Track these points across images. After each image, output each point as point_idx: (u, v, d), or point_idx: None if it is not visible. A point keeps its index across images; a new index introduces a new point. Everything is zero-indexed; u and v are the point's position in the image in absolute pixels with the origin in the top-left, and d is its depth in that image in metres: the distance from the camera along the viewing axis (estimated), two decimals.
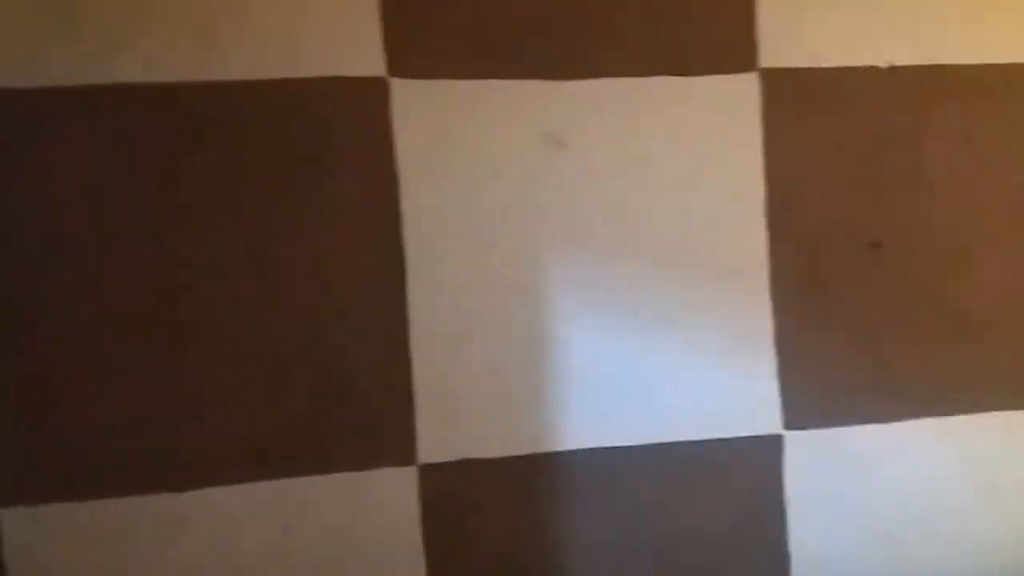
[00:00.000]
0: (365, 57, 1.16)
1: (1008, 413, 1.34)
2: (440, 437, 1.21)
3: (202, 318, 1.15)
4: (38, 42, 1.09)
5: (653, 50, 1.23)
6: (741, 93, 1.25)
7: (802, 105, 1.27)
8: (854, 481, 1.31)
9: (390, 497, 1.21)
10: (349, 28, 1.16)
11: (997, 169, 1.32)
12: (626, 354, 1.25)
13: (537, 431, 1.24)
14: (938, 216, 1.31)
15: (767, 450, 1.29)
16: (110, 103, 1.11)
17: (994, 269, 1.32)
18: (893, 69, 1.28)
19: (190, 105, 1.13)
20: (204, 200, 1.14)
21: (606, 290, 1.24)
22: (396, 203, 1.18)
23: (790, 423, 1.29)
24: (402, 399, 1.20)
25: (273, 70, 1.14)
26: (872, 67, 1.28)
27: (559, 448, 1.24)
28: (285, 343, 1.17)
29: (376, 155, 1.17)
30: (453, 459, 1.22)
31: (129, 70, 1.12)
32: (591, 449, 1.25)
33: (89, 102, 1.11)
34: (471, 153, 1.20)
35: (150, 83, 1.12)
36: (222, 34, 1.14)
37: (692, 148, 1.25)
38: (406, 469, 1.21)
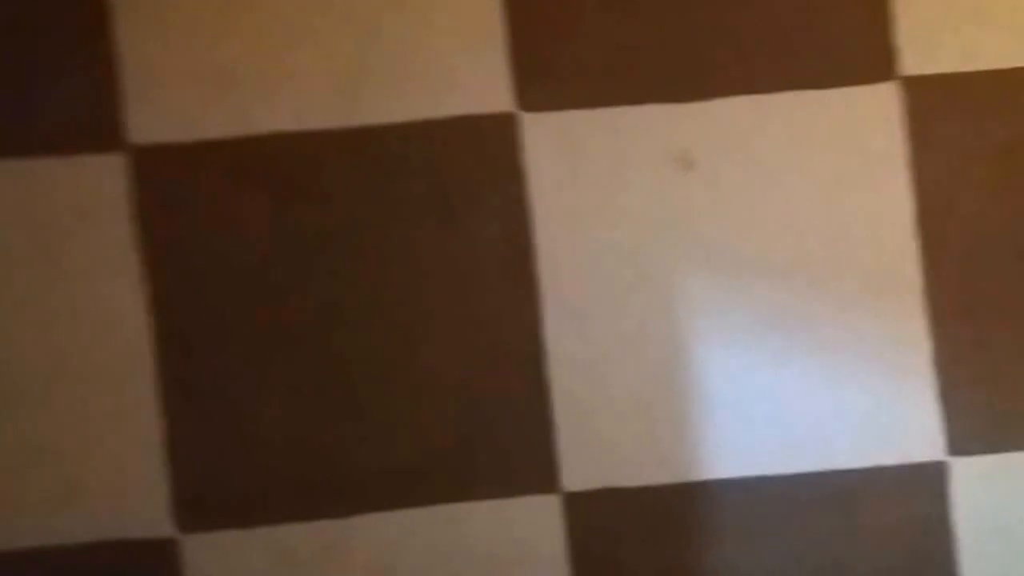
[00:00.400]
0: (494, 93, 1.20)
1: None
2: (582, 465, 1.22)
3: (356, 356, 1.21)
4: (194, 98, 1.19)
5: (780, 65, 1.21)
6: (882, 104, 1.21)
7: (949, 112, 1.21)
8: None
9: (534, 525, 1.22)
10: (477, 65, 1.20)
11: None
12: (771, 378, 1.22)
13: (682, 459, 1.22)
14: None
15: (931, 478, 1.22)
16: (260, 153, 1.20)
17: None
18: None
19: (334, 152, 1.20)
20: (351, 240, 1.21)
21: (746, 312, 1.22)
22: (530, 235, 1.21)
23: (955, 449, 1.22)
24: (543, 427, 1.21)
25: (410, 112, 1.20)
26: None
27: (706, 477, 1.22)
28: (431, 377, 1.21)
29: (508, 189, 1.21)
30: (597, 487, 1.22)
31: (279, 120, 1.20)
32: (741, 479, 1.22)
33: (242, 153, 1.20)
34: (601, 180, 1.21)
35: (295, 132, 1.20)
36: (364, 80, 1.20)
37: (828, 163, 1.21)
38: (549, 497, 1.22)
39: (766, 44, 1.21)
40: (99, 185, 1.20)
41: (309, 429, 1.21)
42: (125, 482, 1.19)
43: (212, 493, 1.20)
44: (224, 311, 1.20)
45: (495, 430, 1.22)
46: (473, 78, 1.20)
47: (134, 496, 1.19)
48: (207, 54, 1.19)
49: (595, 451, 1.22)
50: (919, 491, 1.23)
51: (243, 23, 1.19)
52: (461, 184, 1.21)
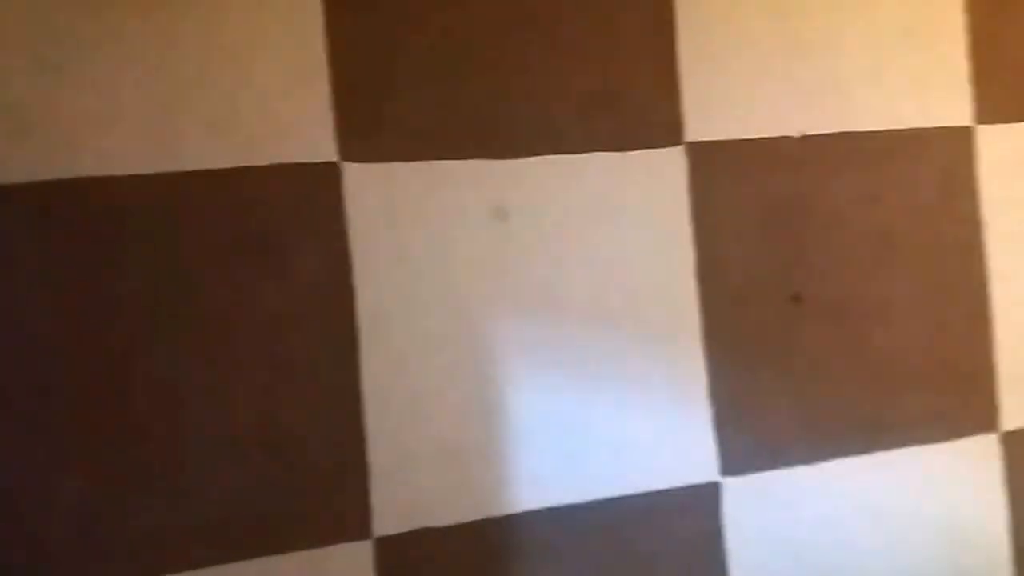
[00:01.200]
0: (317, 143, 1.20)
1: (917, 449, 1.45)
2: (395, 508, 1.24)
3: (155, 406, 1.16)
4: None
5: (588, 129, 1.31)
6: (670, 165, 1.34)
7: (725, 174, 1.36)
8: (788, 521, 1.40)
9: (347, 573, 1.22)
10: (300, 114, 1.20)
11: (902, 225, 1.43)
12: (572, 413, 1.31)
13: (491, 495, 1.28)
14: (852, 271, 1.42)
15: (707, 497, 1.36)
16: (66, 198, 1.12)
17: (905, 319, 1.44)
18: (804, 138, 1.39)
19: (149, 196, 1.15)
20: (157, 289, 1.16)
21: (552, 353, 1.30)
22: (349, 283, 1.22)
23: (727, 470, 1.37)
24: (357, 472, 1.22)
25: (226, 159, 1.17)
26: (786, 137, 1.39)
27: (512, 511, 1.28)
28: (240, 427, 1.18)
29: (330, 238, 1.21)
30: (409, 529, 1.24)
31: (87, 165, 1.13)
32: (543, 510, 1.29)
33: (45, 198, 1.11)
34: (421, 230, 1.25)
35: (105, 176, 1.13)
36: (175, 125, 1.16)
37: (626, 217, 1.33)
38: (362, 543, 1.23)
39: (576, 109, 1.30)
40: None
41: (105, 492, 1.14)
42: None
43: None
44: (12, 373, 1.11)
45: (310, 477, 1.21)
46: (296, 127, 1.19)
47: None
48: (10, 96, 1.10)
49: (409, 493, 1.24)
50: (697, 510, 1.36)
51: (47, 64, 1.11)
52: (280, 232, 1.19)
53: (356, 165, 1.22)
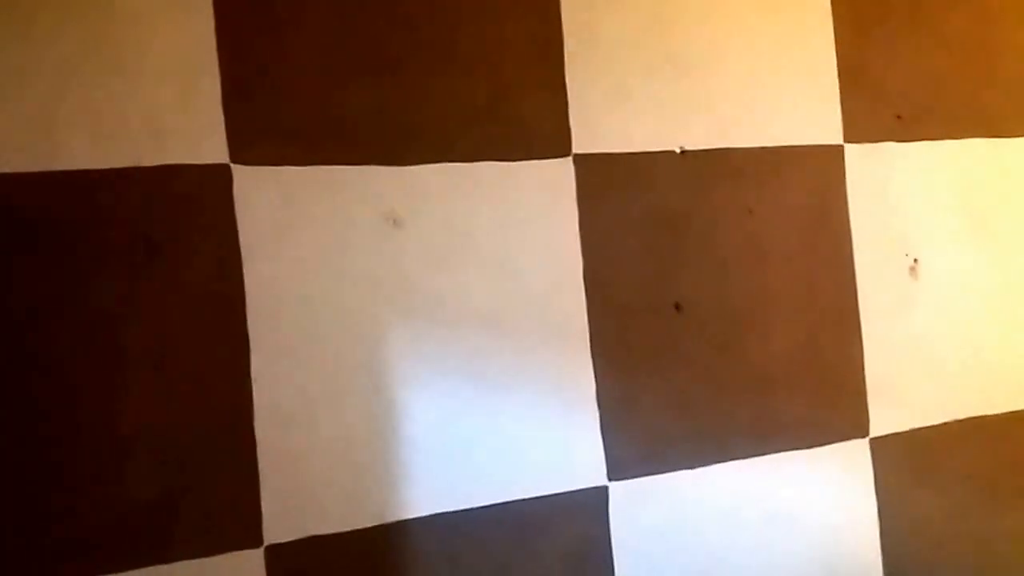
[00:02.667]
0: (208, 145, 1.19)
1: (793, 453, 1.51)
2: (286, 516, 1.23)
3: (39, 413, 1.12)
4: None
5: (480, 138, 1.34)
6: (558, 176, 1.38)
7: (610, 186, 1.41)
8: (671, 523, 1.43)
9: None
10: (189, 115, 1.19)
11: (776, 237, 1.50)
12: (464, 419, 1.32)
13: (383, 502, 1.28)
14: (729, 281, 1.48)
15: (595, 501, 1.39)
16: None
17: (780, 327, 1.50)
18: (684, 153, 1.45)
19: (30, 196, 1.12)
20: (39, 292, 1.13)
21: (444, 359, 1.31)
22: (240, 287, 1.21)
23: (613, 474, 1.40)
24: (247, 479, 1.21)
25: (115, 159, 1.15)
26: (667, 151, 1.44)
27: (405, 517, 1.29)
28: (127, 433, 1.16)
29: (219, 241, 1.20)
30: (299, 537, 1.23)
31: None
32: (436, 515, 1.30)
33: None
34: (313, 235, 1.25)
35: None
36: (64, 123, 1.14)
37: (517, 226, 1.35)
38: (253, 551, 1.21)
39: (469, 118, 1.33)
40: None
41: None
42: None
43: None
44: None
45: (199, 485, 1.19)
46: (185, 128, 1.18)
47: None
48: None
49: (299, 500, 1.23)
50: (585, 513, 1.39)
51: None
52: (169, 235, 1.18)
53: (247, 168, 1.21)
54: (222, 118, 1.20)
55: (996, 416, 1.65)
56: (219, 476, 1.20)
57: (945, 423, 1.62)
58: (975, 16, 1.65)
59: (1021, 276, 1.67)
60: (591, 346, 1.39)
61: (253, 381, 1.22)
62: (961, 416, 1.63)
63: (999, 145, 1.66)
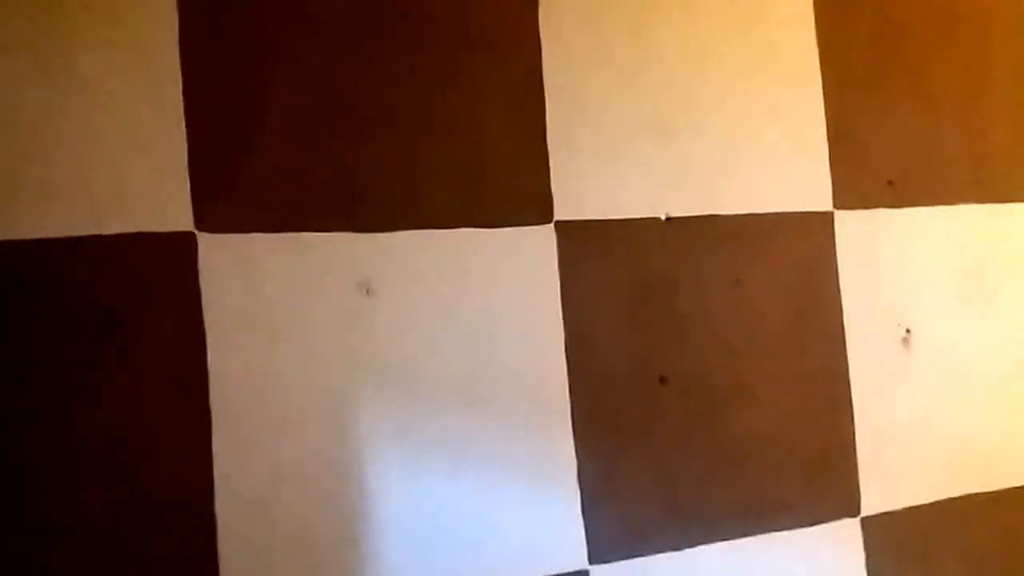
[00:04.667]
0: (172, 211, 1.14)
1: (782, 534, 1.45)
2: None
3: None
4: None
5: (459, 204, 1.29)
6: (540, 243, 1.33)
7: (594, 254, 1.36)
8: None
9: None
10: (155, 183, 1.14)
11: (765, 308, 1.46)
12: (438, 500, 1.26)
13: None
14: (716, 352, 1.43)
15: None
16: None
17: (768, 401, 1.45)
18: (670, 220, 1.41)
19: None
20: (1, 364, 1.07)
21: (418, 437, 1.25)
22: (203, 361, 1.15)
23: (595, 557, 1.33)
24: (206, 565, 1.14)
25: (75, 226, 1.10)
26: (653, 218, 1.40)
27: None
28: (84, 514, 1.09)
29: (182, 313, 1.14)
30: None
31: None
32: None
33: None
34: (282, 306, 1.19)
35: None
36: (22, 189, 1.09)
37: (496, 295, 1.30)
38: None
39: (447, 184, 1.28)
40: None
41: None
42: None
43: None
44: None
45: (156, 568, 1.12)
46: (149, 193, 1.13)
47: None
48: None
49: None
50: None
51: None
52: (129, 307, 1.12)
53: (212, 235, 1.16)
54: (188, 183, 1.15)
55: (991, 493, 1.60)
56: (176, 560, 1.13)
57: (938, 501, 1.56)
58: (967, 80, 1.63)
59: (1016, 346, 1.63)
60: (573, 421, 1.33)
61: (215, 460, 1.15)
62: (955, 494, 1.58)
63: (992, 211, 1.63)
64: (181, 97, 1.16)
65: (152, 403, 1.13)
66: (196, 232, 1.15)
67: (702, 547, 1.39)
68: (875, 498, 1.51)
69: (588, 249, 1.36)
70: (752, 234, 1.45)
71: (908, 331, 1.55)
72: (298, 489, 1.19)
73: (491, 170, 1.31)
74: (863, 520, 1.50)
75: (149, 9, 1.15)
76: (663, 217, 1.40)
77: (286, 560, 1.18)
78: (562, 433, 1.33)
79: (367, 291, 1.23)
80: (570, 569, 1.32)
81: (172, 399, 1.14)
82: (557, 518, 1.32)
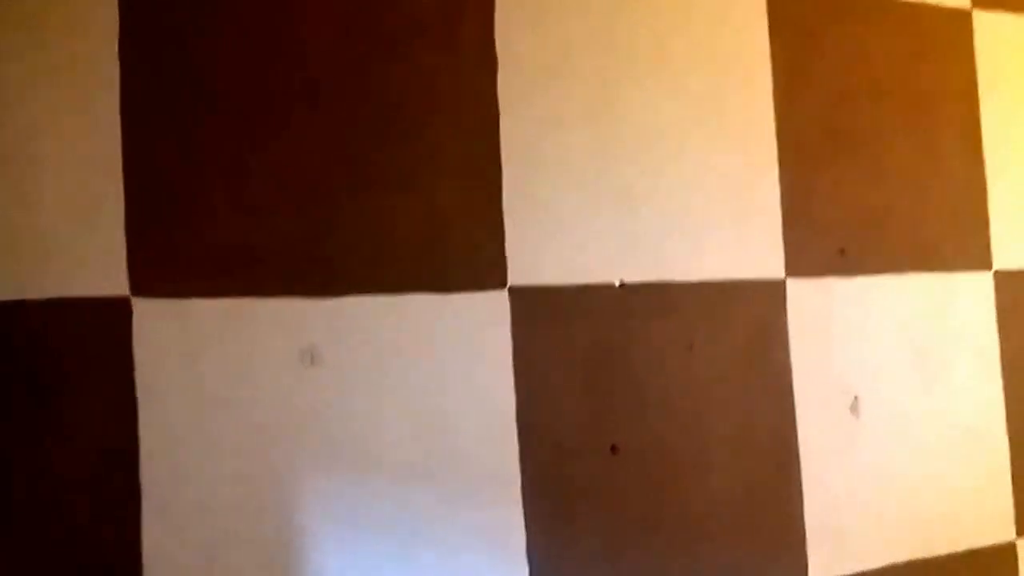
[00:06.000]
0: (106, 275, 1.08)
1: None
2: None
3: None
4: None
5: (410, 268, 1.25)
6: (492, 309, 1.29)
7: (547, 319, 1.33)
8: None
9: None
10: (89, 245, 1.08)
11: (716, 375, 1.44)
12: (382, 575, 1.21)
13: None
14: (667, 420, 1.40)
15: None
16: None
17: (719, 469, 1.43)
18: (624, 286, 1.38)
19: None
20: None
21: (360, 510, 1.20)
22: (133, 433, 1.09)
23: None
24: None
25: (3, 291, 1.03)
26: (607, 285, 1.37)
27: None
28: None
29: (114, 383, 1.08)
30: None
31: None
32: None
33: None
34: (220, 375, 1.13)
35: None
36: None
37: (447, 363, 1.26)
38: None
39: (397, 248, 1.24)
40: None
41: None
42: None
43: None
44: None
45: None
46: (82, 256, 1.07)
47: None
48: None
49: None
50: None
51: None
52: (57, 376, 1.05)
53: (149, 300, 1.10)
54: (124, 246, 1.09)
55: (936, 559, 1.60)
56: None
57: (884, 567, 1.56)
58: (917, 151, 1.64)
59: (961, 413, 1.64)
60: (522, 494, 1.29)
61: (143, 537, 1.08)
62: (901, 559, 1.57)
63: (939, 280, 1.64)
64: (120, 155, 1.10)
65: (79, 476, 1.06)
66: (131, 297, 1.09)
67: None
68: (822, 564, 1.49)
69: (542, 315, 1.32)
70: (705, 301, 1.44)
71: (856, 398, 1.55)
72: (232, 569, 1.13)
73: (444, 234, 1.27)
74: None
75: (88, 64, 1.09)
76: (617, 283, 1.38)
77: None
78: (511, 504, 1.29)
79: (311, 359, 1.18)
80: None
81: (100, 473, 1.07)
82: None
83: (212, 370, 1.13)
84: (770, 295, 1.49)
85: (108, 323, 1.08)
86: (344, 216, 1.21)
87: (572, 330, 1.35)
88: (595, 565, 1.34)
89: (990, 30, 1.71)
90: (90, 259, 1.08)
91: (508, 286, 1.30)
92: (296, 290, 1.18)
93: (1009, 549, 1.66)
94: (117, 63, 1.10)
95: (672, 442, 1.40)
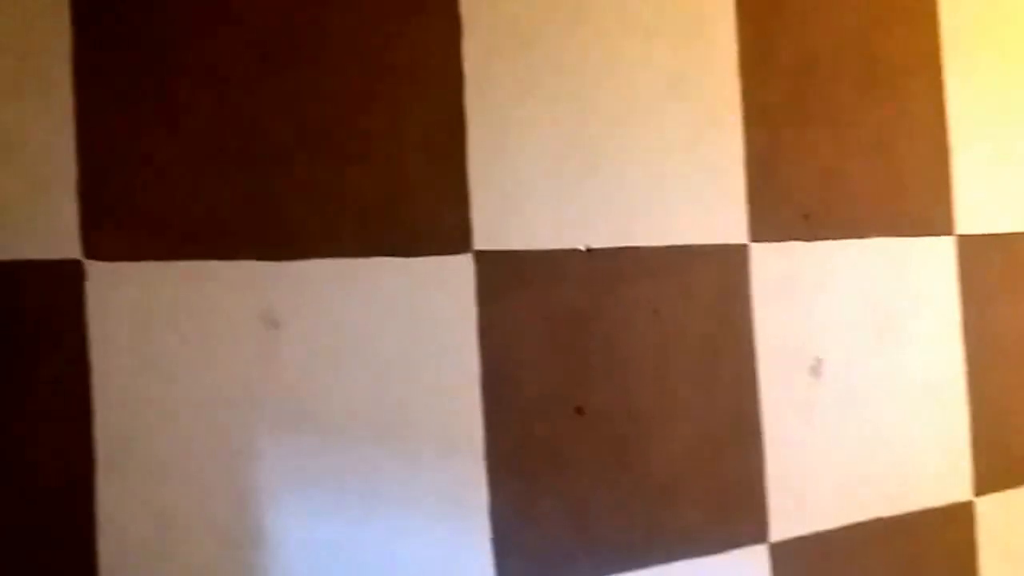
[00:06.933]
0: (57, 238, 1.05)
1: (693, 561, 1.44)
2: None
3: None
4: None
5: (373, 232, 1.23)
6: (457, 273, 1.28)
7: (512, 284, 1.32)
8: None
9: None
10: (41, 206, 1.05)
11: (681, 338, 1.44)
12: (344, 539, 1.20)
13: None
14: (632, 383, 1.40)
15: None
16: None
17: (682, 430, 1.44)
18: (591, 251, 1.38)
19: None
20: None
21: (322, 473, 1.19)
22: (87, 400, 1.07)
23: None
24: None
25: None
26: (573, 249, 1.36)
27: None
28: None
29: (66, 348, 1.06)
30: None
31: None
32: None
33: None
34: (176, 339, 1.11)
35: None
36: None
37: (410, 326, 1.25)
38: None
39: (360, 212, 1.22)
40: None
41: None
42: None
43: None
44: None
45: None
46: (31, 219, 1.04)
47: None
48: None
49: None
50: None
51: None
52: (6, 341, 1.03)
53: (102, 264, 1.07)
54: (76, 208, 1.06)
55: (895, 517, 1.63)
56: None
57: (845, 526, 1.58)
58: (881, 116, 1.64)
59: (921, 376, 1.66)
60: (487, 456, 1.29)
61: (98, 502, 1.07)
62: (861, 519, 1.60)
63: (902, 244, 1.65)
64: (72, 116, 1.07)
65: (32, 441, 1.04)
66: (84, 260, 1.07)
67: None
68: (783, 524, 1.52)
69: (507, 279, 1.32)
70: (670, 266, 1.44)
71: (819, 360, 1.56)
72: (190, 535, 1.12)
73: (409, 198, 1.25)
74: (771, 546, 1.50)
75: (39, 24, 1.06)
76: (584, 248, 1.37)
77: None
78: (475, 467, 1.29)
79: (271, 323, 1.17)
80: None
81: (53, 437, 1.05)
82: (468, 556, 1.28)
83: (169, 333, 1.11)
84: (734, 260, 1.50)
85: (61, 286, 1.05)
86: (304, 179, 1.19)
87: (538, 295, 1.34)
88: (559, 525, 1.35)
89: None
90: (41, 221, 1.05)
91: (473, 250, 1.29)
92: (256, 253, 1.16)
93: (967, 508, 1.70)
94: (69, 24, 1.07)
95: (637, 404, 1.41)
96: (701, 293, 1.46)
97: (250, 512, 1.15)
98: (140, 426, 1.10)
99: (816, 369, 1.56)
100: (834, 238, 1.58)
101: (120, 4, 1.11)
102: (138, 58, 1.11)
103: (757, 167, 1.51)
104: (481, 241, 1.30)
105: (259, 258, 1.16)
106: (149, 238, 1.10)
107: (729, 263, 1.49)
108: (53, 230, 1.05)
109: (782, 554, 1.52)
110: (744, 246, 1.50)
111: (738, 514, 1.49)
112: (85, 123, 1.07)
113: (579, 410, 1.36)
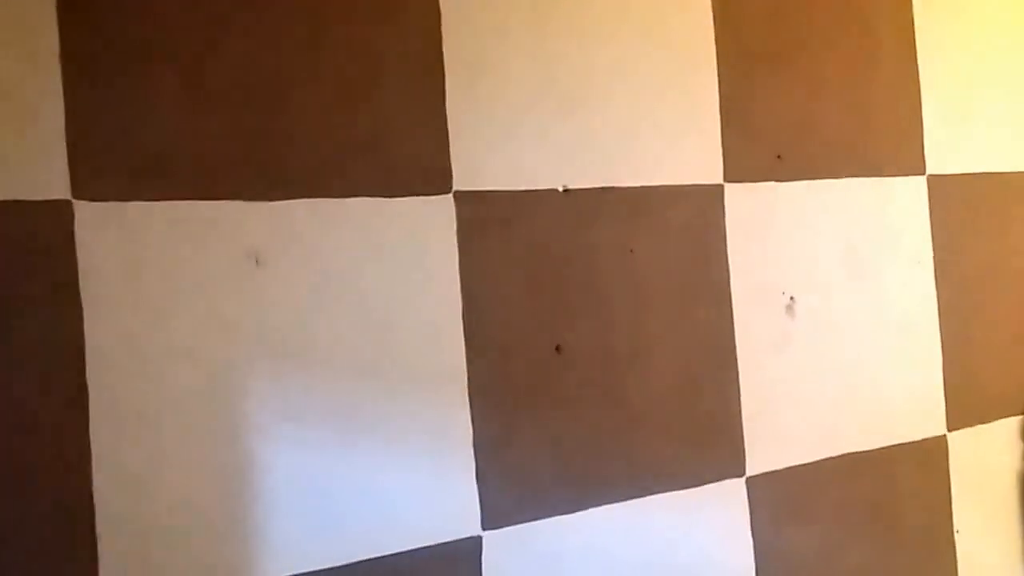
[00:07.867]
0: (46, 179, 1.08)
1: (670, 494, 1.49)
2: None
3: None
4: None
5: (354, 173, 1.26)
6: (438, 214, 1.31)
7: (491, 224, 1.35)
8: (546, 571, 1.38)
9: None
10: (29, 147, 1.07)
11: (656, 277, 1.48)
12: (330, 471, 1.24)
13: (237, 566, 1.18)
14: (610, 321, 1.44)
15: (468, 553, 1.33)
16: None
17: (659, 367, 1.48)
18: (568, 191, 1.41)
19: None
20: None
21: (309, 410, 1.23)
22: (79, 336, 1.10)
23: (488, 523, 1.34)
24: (84, 549, 1.10)
25: None
26: (551, 190, 1.40)
27: None
28: None
29: (57, 287, 1.09)
30: None
31: None
32: None
33: None
34: (164, 277, 1.15)
35: None
36: None
37: (392, 265, 1.28)
38: None
39: (338, 152, 1.25)
40: None
41: None
42: None
43: None
44: None
45: (31, 554, 1.07)
46: (20, 160, 1.06)
47: None
48: None
49: (143, 571, 1.13)
50: (458, 566, 1.33)
51: None
52: (3, 278, 1.06)
53: (91, 204, 1.10)
54: (64, 149, 1.09)
55: (870, 452, 1.67)
56: (55, 546, 1.09)
57: (820, 460, 1.63)
58: (854, 59, 1.67)
59: (895, 314, 1.70)
60: (469, 390, 1.33)
61: (92, 440, 1.10)
62: (835, 453, 1.64)
63: (877, 184, 1.68)
64: (58, 54, 1.09)
65: (25, 378, 1.07)
66: (73, 200, 1.09)
67: (592, 509, 1.42)
68: (759, 459, 1.56)
69: (487, 220, 1.35)
70: (646, 206, 1.47)
71: (792, 299, 1.60)
72: (182, 467, 1.16)
73: (388, 139, 1.28)
74: (747, 480, 1.55)
75: None
76: (561, 188, 1.40)
77: (168, 536, 1.15)
78: (458, 402, 1.33)
79: (256, 261, 1.20)
80: (464, 536, 1.33)
81: (46, 374, 1.09)
82: (452, 486, 1.32)
83: (157, 272, 1.14)
84: (709, 200, 1.53)
85: (50, 226, 1.08)
86: (287, 121, 1.22)
87: (517, 234, 1.37)
88: (540, 459, 1.39)
89: None
90: (29, 162, 1.07)
91: (453, 191, 1.32)
92: (241, 194, 1.19)
93: (940, 442, 1.74)
94: None
95: (614, 342, 1.44)
96: (677, 233, 1.49)
97: (238, 445, 1.19)
98: (130, 362, 1.13)
99: (791, 308, 1.60)
100: (807, 178, 1.61)
101: None
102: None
103: (731, 109, 1.54)
104: (461, 182, 1.33)
105: (244, 198, 1.19)
106: (136, 178, 1.13)
107: (704, 203, 1.52)
108: (42, 170, 1.08)
109: (758, 488, 1.56)
110: (719, 186, 1.53)
111: (715, 449, 1.53)
112: (71, 66, 1.10)
113: (558, 348, 1.40)
